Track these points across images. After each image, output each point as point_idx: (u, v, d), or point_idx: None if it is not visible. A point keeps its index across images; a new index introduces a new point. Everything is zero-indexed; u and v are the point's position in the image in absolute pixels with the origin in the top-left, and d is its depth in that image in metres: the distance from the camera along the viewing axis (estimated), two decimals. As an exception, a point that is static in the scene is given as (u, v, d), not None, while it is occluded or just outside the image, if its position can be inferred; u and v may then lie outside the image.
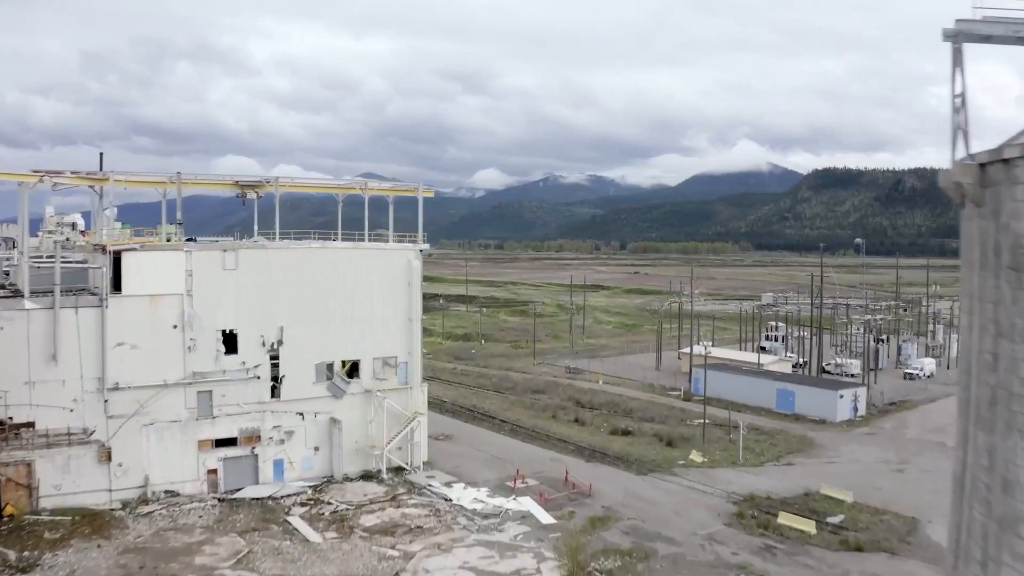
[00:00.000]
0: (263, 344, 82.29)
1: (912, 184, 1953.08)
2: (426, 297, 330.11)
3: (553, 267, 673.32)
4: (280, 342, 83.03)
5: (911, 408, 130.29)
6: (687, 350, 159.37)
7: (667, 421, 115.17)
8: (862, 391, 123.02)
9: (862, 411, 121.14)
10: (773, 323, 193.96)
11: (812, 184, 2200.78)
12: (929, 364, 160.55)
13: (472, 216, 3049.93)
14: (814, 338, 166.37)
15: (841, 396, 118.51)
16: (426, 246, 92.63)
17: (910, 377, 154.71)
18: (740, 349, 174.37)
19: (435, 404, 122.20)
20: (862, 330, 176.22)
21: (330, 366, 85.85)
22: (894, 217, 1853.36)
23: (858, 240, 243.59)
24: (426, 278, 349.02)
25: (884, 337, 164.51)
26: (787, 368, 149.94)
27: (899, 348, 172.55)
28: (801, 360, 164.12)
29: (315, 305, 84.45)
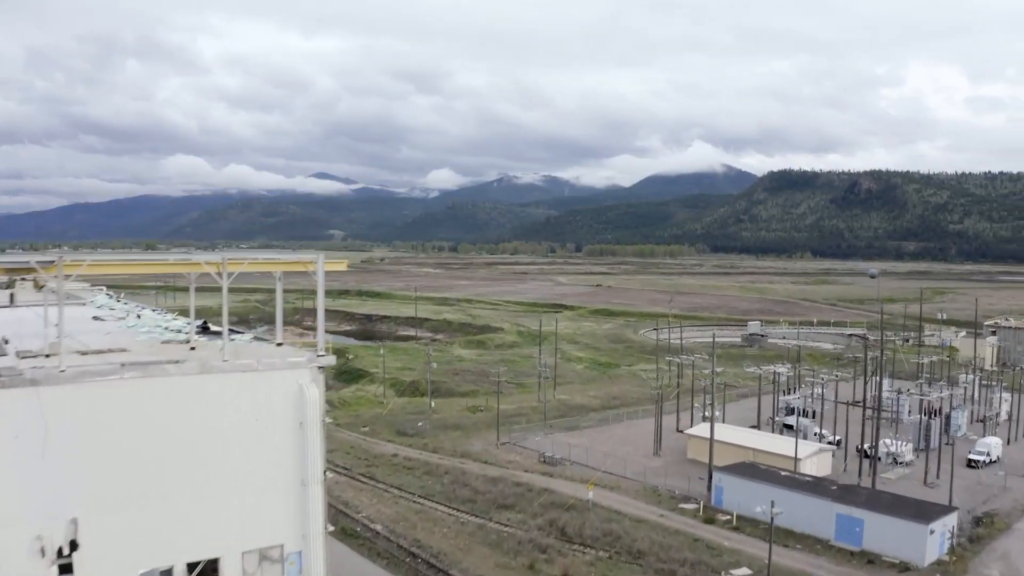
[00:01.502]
0: (41, 551, 46.57)
1: (868, 186, 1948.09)
2: (370, 319, 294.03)
3: (509, 276, 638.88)
4: (74, 544, 47.38)
5: (1005, 529, 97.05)
6: (694, 430, 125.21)
7: (696, 570, 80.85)
8: (952, 518, 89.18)
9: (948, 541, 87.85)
10: (798, 392, 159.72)
11: (767, 186, 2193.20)
12: (996, 445, 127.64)
13: (426, 217, 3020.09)
14: (854, 409, 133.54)
15: (932, 531, 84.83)
16: (331, 359, 56.51)
17: (974, 465, 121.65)
18: (758, 424, 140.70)
19: (362, 541, 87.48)
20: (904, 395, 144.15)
21: (167, 574, 50.33)
22: (850, 219, 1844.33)
23: (873, 271, 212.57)
24: (373, 294, 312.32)
25: (937, 407, 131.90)
26: (827, 462, 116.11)
27: (947, 418, 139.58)
28: (835, 438, 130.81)
29: (138, 476, 48.68)
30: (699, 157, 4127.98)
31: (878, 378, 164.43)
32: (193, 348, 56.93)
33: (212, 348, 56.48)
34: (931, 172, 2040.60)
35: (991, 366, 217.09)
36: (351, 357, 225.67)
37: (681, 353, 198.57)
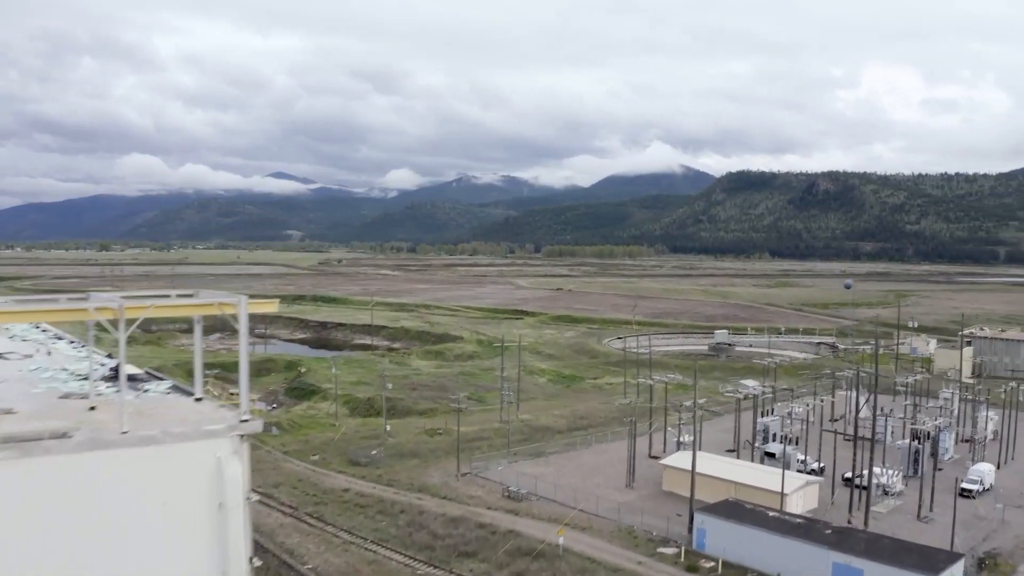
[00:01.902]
0: None
1: (825, 187, 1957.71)
2: (325, 327, 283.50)
3: (468, 279, 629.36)
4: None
5: (1011, 573, 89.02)
6: (671, 460, 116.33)
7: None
8: (959, 568, 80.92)
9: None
10: (776, 413, 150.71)
11: (725, 187, 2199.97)
12: (989, 472, 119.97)
13: (385, 217, 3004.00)
14: (834, 427, 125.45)
15: (940, 584, 76.61)
16: (257, 424, 46.76)
17: (968, 494, 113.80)
18: (736, 449, 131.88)
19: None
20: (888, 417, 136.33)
21: None
22: (808, 220, 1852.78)
23: (848, 282, 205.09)
24: (328, 300, 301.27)
25: (927, 430, 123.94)
26: (813, 495, 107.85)
27: (934, 441, 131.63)
28: (819, 465, 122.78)
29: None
30: (657, 158, 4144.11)
31: (855, 395, 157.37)
32: (93, 408, 47.16)
33: (116, 407, 46.79)
34: (888, 173, 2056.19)
35: (968, 377, 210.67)
36: (303, 371, 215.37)
37: (650, 368, 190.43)
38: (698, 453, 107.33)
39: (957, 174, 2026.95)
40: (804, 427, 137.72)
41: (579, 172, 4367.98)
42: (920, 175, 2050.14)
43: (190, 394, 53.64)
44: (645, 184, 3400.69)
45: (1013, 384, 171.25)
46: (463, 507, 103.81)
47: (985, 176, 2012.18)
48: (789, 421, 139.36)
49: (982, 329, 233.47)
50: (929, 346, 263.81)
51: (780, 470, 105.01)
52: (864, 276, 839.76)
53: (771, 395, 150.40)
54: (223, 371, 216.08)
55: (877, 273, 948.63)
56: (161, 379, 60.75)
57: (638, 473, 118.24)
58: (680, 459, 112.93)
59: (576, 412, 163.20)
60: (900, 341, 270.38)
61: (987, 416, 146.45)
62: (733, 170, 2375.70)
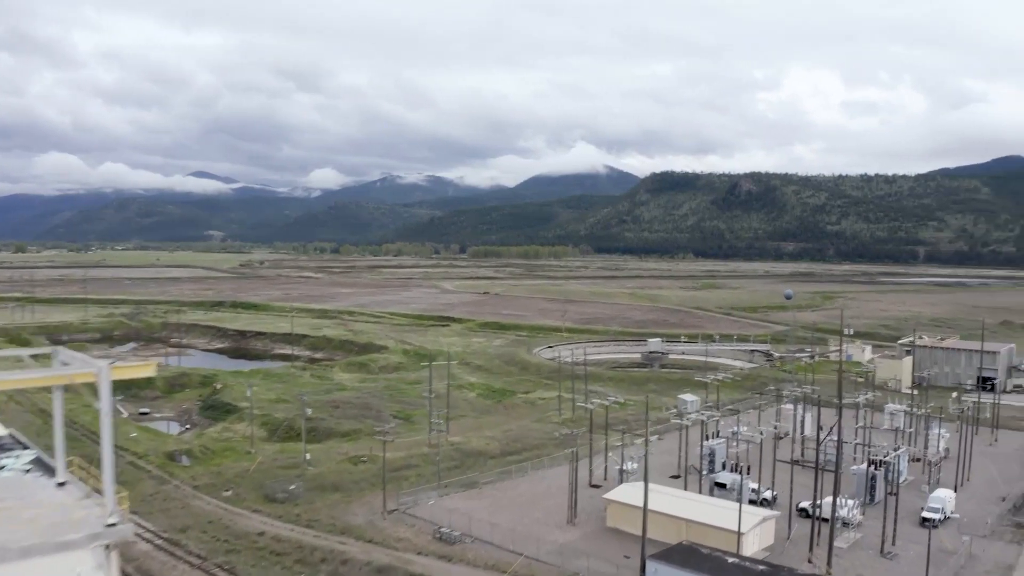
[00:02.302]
0: None
1: (748, 188, 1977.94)
2: (244, 336, 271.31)
3: (394, 282, 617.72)
4: None
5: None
6: (615, 495, 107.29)
7: None
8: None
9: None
10: (720, 434, 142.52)
11: (649, 187, 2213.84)
12: (949, 499, 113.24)
13: (308, 217, 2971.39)
14: (780, 446, 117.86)
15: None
16: (127, 529, 36.75)
17: (930, 524, 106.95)
18: (683, 476, 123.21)
19: None
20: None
21: None
22: (731, 220, 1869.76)
23: (788, 292, 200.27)
24: (248, 306, 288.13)
25: (883, 456, 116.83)
26: (770, 531, 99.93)
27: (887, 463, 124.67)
28: (771, 494, 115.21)
29: None
30: (582, 158, 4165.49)
31: (802, 413, 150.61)
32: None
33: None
34: (809, 174, 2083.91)
35: (908, 388, 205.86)
36: (219, 387, 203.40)
37: (586, 387, 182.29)
38: (642, 484, 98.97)
39: (877, 175, 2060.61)
40: (749, 449, 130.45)
41: (504, 172, 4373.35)
42: (840, 176, 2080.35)
43: (54, 471, 43.58)
44: (570, 184, 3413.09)
45: (957, 394, 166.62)
46: (391, 553, 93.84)
47: (904, 177, 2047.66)
48: (735, 444, 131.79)
49: (921, 338, 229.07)
50: (864, 353, 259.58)
51: (733, 504, 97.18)
52: (788, 277, 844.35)
53: (714, 413, 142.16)
54: (126, 391, 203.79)
55: (801, 273, 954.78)
56: (25, 448, 50.32)
57: (580, 505, 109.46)
58: (625, 493, 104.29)
59: (509, 433, 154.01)
60: (834, 348, 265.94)
61: (939, 434, 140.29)
62: (657, 171, 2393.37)
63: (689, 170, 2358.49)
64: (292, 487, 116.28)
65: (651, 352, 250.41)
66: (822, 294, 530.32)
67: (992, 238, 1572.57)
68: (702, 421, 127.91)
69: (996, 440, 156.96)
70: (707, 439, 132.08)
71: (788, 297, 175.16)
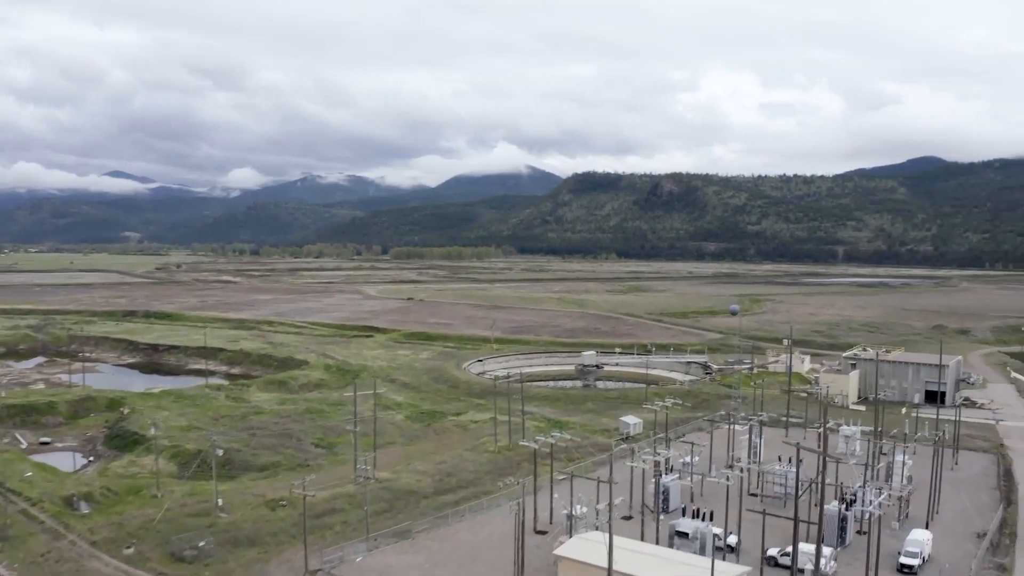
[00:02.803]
0: None
1: (669, 188, 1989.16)
2: (157, 350, 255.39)
3: (315, 288, 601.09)
4: None
5: None
6: (568, 551, 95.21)
7: None
8: None
9: None
10: (673, 466, 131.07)
11: (572, 188, 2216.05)
12: (927, 541, 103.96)
13: (227, 217, 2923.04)
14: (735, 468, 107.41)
15: None
16: None
17: (908, 571, 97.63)
18: (639, 523, 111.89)
19: None
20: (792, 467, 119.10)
21: None
22: (652, 221, 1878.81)
23: (734, 307, 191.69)
24: (162, 315, 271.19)
25: (854, 493, 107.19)
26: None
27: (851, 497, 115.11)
28: (735, 540, 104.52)
29: None
30: (504, 158, 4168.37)
31: (755, 438, 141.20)
32: None
33: None
34: (729, 175, 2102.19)
35: (856, 403, 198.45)
36: (126, 412, 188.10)
37: (523, 404, 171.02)
38: (599, 539, 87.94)
39: (796, 176, 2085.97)
40: (704, 482, 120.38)
41: (426, 172, 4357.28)
42: (760, 177, 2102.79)
43: None
44: (492, 184, 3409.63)
45: (906, 410, 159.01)
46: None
47: (822, 178, 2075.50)
48: (690, 480, 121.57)
49: (865, 350, 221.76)
50: (804, 364, 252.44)
51: (701, 561, 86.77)
52: (712, 278, 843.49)
53: (663, 450, 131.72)
54: (26, 416, 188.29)
55: (724, 274, 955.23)
56: None
57: (527, 557, 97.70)
58: (579, 550, 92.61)
59: (442, 466, 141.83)
60: (773, 359, 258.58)
61: (903, 462, 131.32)
62: (579, 171, 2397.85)
63: (611, 170, 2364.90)
64: (202, 543, 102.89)
65: (585, 366, 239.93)
66: (750, 297, 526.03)
67: (909, 237, 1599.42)
68: (654, 458, 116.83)
69: (957, 463, 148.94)
70: (659, 467, 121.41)
71: (734, 312, 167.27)
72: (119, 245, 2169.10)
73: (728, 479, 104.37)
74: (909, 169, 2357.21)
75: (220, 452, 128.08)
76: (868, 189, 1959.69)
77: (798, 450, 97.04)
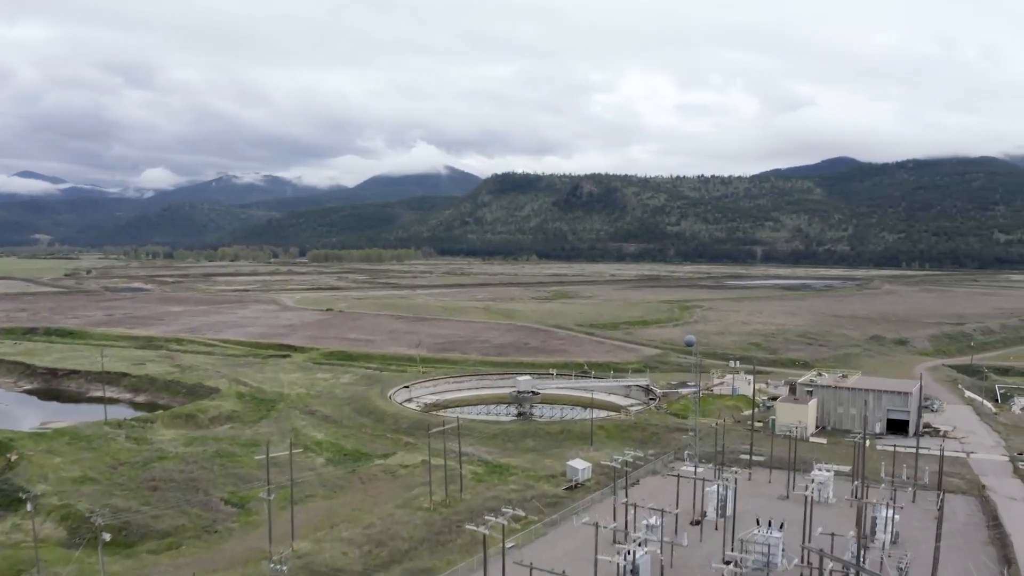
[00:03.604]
0: None
1: (589, 189, 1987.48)
2: (56, 375, 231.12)
3: (229, 298, 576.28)
4: None
5: None
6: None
7: None
8: None
9: None
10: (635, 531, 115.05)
11: (491, 188, 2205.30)
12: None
13: (140, 219, 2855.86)
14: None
15: None
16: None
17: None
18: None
19: None
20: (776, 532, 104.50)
21: None
22: (573, 222, 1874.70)
23: (690, 338, 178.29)
24: (65, 333, 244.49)
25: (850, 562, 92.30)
26: None
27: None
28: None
29: None
30: (422, 158, 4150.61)
31: (724, 489, 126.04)
32: None
33: None
34: (648, 175, 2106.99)
35: (815, 435, 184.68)
36: (13, 459, 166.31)
37: (459, 444, 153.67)
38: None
39: (713, 176, 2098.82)
40: (674, 548, 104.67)
41: (344, 172, 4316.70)
42: (678, 177, 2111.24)
43: None
44: (411, 185, 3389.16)
45: (869, 441, 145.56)
46: None
47: (740, 178, 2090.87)
48: (659, 548, 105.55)
49: (820, 375, 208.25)
50: (749, 385, 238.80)
51: None
52: (635, 281, 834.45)
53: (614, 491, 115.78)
54: None
55: (647, 277, 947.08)
56: None
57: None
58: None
59: (371, 533, 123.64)
60: (718, 380, 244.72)
61: (890, 517, 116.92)
62: (497, 171, 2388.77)
63: (530, 171, 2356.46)
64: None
65: (521, 392, 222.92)
66: (678, 304, 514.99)
67: (826, 237, 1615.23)
68: (613, 527, 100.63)
69: (940, 511, 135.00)
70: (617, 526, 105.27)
71: (689, 344, 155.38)
72: (29, 248, 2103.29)
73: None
74: (824, 170, 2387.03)
75: (107, 537, 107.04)
76: (785, 190, 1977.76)
77: (821, 559, 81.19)
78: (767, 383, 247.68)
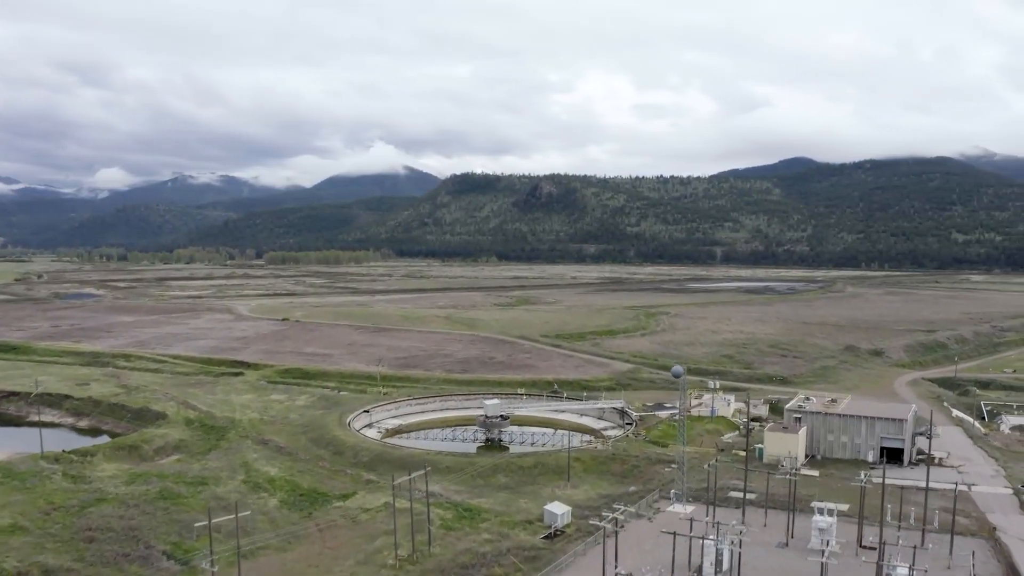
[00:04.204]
0: None
1: (548, 190, 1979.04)
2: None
3: (183, 305, 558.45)
4: None
5: None
6: None
7: None
8: None
9: None
10: None
11: (450, 189, 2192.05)
12: None
13: (95, 220, 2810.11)
14: None
15: None
16: None
17: None
18: None
19: None
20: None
21: None
22: (532, 223, 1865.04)
23: (678, 369, 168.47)
24: (8, 348, 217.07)
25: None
26: None
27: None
28: None
29: None
30: (381, 158, 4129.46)
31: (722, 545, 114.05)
32: None
33: None
34: (607, 176, 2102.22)
35: (805, 466, 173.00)
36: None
37: (427, 484, 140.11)
38: None
39: (672, 177, 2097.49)
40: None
41: (301, 172, 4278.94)
42: (638, 178, 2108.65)
43: None
44: (369, 185, 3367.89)
45: (865, 475, 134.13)
46: None
47: (699, 179, 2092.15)
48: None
49: (808, 400, 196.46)
50: (729, 406, 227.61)
51: None
52: (598, 285, 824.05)
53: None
54: None
55: (609, 280, 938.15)
56: None
57: None
58: None
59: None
60: (696, 401, 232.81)
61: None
62: (456, 172, 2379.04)
63: (489, 171, 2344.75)
64: None
65: (489, 418, 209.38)
66: (643, 310, 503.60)
67: (786, 238, 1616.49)
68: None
69: (952, 562, 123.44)
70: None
71: (677, 375, 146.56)
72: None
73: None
74: (781, 170, 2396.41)
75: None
76: (743, 190, 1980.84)
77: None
78: (746, 402, 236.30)
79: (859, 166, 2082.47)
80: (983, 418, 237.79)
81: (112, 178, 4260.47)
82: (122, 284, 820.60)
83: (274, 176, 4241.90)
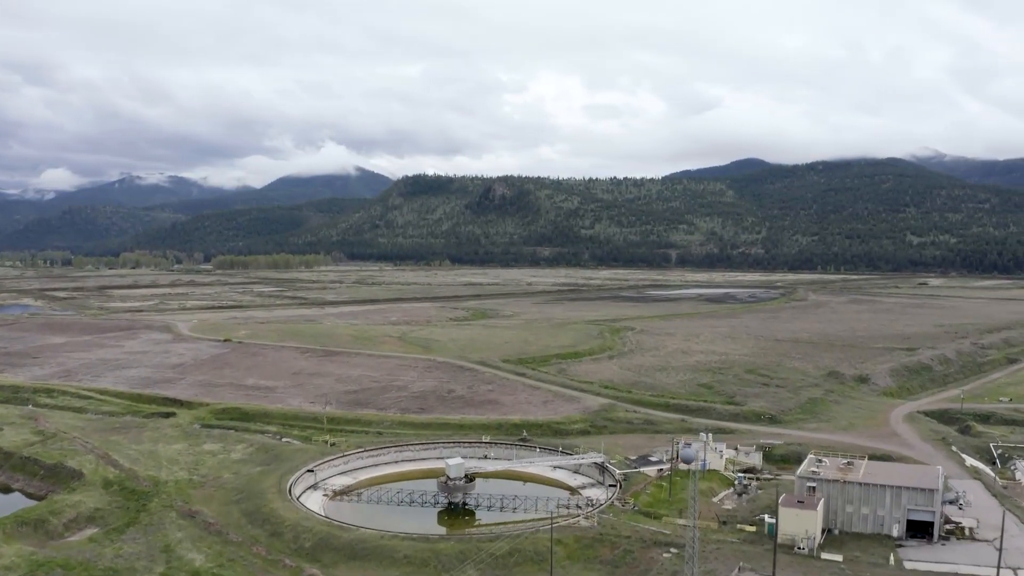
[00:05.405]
0: None
1: (501, 192, 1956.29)
2: None
3: (120, 321, 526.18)
4: None
5: None
6: None
7: None
8: None
9: None
10: None
11: (402, 191, 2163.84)
12: None
13: (40, 222, 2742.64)
14: None
15: None
16: None
17: None
18: None
19: None
20: None
21: None
22: (486, 225, 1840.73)
23: (687, 451, 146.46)
24: None
25: None
26: None
27: None
28: None
29: None
30: (331, 158, 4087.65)
31: None
32: None
33: None
34: (561, 178, 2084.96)
35: (819, 542, 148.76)
36: None
37: None
38: None
39: (626, 179, 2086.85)
40: None
41: (251, 172, 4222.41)
42: (591, 180, 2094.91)
43: None
44: (320, 186, 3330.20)
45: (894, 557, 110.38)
46: None
47: (652, 180, 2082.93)
48: None
49: (821, 462, 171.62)
50: (721, 458, 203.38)
51: None
52: (555, 295, 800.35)
53: None
54: None
55: (566, 287, 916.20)
56: None
57: None
58: None
59: None
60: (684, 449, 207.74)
61: None
62: (408, 172, 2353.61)
63: (441, 172, 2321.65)
64: None
65: (451, 480, 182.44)
66: (607, 326, 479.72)
67: (741, 240, 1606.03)
68: None
69: None
70: None
71: (688, 460, 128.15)
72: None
73: None
74: (734, 171, 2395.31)
75: None
76: (697, 192, 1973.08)
77: None
78: (736, 448, 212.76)
79: (811, 167, 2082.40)
80: (994, 462, 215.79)
81: (58, 179, 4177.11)
82: (62, 294, 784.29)
83: (223, 177, 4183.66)
